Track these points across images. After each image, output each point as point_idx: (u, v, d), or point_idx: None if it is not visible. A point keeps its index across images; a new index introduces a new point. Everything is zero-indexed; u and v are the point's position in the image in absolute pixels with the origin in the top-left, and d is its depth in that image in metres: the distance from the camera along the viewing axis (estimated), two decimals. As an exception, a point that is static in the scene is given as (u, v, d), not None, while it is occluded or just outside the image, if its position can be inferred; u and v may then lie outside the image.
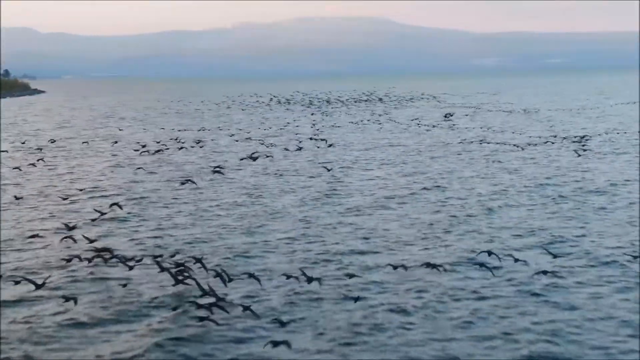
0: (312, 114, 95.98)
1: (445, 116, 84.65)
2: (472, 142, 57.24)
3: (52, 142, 61.69)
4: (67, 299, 19.10)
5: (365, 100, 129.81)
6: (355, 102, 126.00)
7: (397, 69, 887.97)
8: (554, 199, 33.24)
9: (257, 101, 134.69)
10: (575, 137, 59.06)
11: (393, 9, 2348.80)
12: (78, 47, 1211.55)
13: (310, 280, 19.98)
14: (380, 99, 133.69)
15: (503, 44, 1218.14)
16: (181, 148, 55.15)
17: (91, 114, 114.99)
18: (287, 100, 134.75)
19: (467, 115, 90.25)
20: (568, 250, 24.19)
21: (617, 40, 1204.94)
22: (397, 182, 38.78)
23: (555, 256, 22.80)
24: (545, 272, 20.78)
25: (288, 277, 20.50)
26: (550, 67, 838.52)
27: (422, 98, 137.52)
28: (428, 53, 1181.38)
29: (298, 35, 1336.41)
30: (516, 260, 22.11)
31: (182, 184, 37.13)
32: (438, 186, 37.04)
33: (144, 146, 55.69)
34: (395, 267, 21.59)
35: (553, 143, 54.96)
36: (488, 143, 56.02)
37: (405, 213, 30.73)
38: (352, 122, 79.73)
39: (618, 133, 62.49)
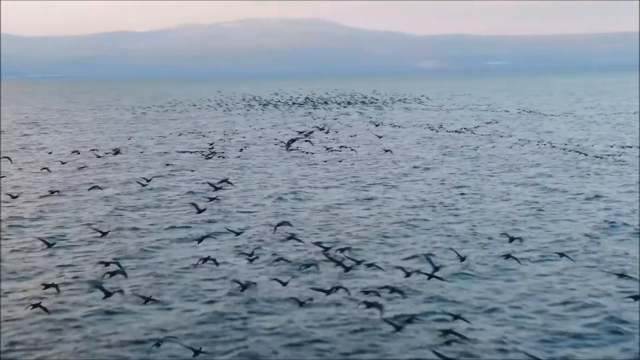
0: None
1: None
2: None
3: None
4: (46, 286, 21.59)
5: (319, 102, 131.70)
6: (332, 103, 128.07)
7: (339, 71, 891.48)
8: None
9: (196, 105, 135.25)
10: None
11: (334, 11, 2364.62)
12: (18, 48, 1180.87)
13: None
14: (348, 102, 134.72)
15: (443, 46, 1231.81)
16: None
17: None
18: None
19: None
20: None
21: (561, 43, 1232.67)
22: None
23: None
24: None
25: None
26: (492, 69, 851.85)
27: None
28: (369, 55, 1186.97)
29: (240, 37, 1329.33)
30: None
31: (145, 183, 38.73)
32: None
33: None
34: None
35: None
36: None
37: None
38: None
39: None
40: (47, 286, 21.59)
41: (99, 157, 54.63)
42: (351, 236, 28.89)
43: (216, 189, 34.33)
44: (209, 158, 52.74)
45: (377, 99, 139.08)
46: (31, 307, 20.10)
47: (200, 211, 30.23)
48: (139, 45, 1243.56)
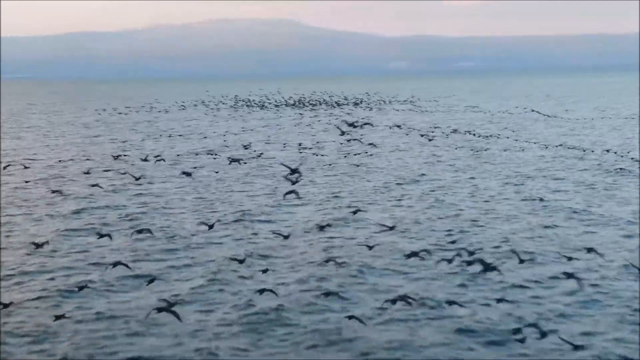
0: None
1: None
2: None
3: None
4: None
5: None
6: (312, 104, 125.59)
7: (311, 71, 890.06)
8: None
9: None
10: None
11: (305, 12, 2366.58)
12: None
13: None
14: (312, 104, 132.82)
15: (414, 48, 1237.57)
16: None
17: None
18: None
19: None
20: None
21: (531, 43, 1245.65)
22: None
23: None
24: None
25: None
26: (463, 70, 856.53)
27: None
28: (340, 56, 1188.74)
29: (210, 37, 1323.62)
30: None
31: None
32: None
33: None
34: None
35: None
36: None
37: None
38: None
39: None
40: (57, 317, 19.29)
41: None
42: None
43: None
44: (145, 160, 48.59)
45: (365, 100, 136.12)
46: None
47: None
48: (109, 45, 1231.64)
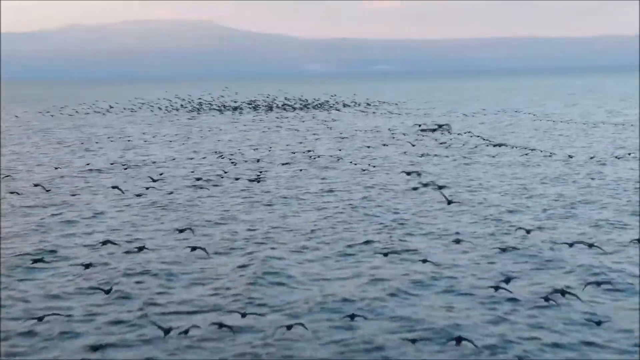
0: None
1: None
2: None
3: None
4: None
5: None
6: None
7: (228, 73, 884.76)
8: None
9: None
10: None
11: (222, 13, 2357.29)
12: None
13: None
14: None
15: (331, 50, 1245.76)
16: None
17: None
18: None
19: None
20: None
21: (450, 47, 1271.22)
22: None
23: None
24: None
25: None
26: (380, 73, 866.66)
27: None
28: (258, 58, 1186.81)
29: (127, 39, 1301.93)
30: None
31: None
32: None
33: None
34: None
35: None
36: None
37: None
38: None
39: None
40: None
41: None
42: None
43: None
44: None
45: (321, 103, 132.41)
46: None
47: None
48: (21, 47, 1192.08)
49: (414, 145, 60.05)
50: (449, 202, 30.17)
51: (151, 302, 20.93)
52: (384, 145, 62.28)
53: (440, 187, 32.73)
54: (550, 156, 52.27)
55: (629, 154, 52.82)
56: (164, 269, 24.24)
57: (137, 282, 22.81)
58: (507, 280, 21.54)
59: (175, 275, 23.61)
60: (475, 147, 59.44)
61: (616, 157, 51.53)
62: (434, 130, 72.74)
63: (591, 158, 51.20)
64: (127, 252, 26.24)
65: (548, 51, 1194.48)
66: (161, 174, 45.28)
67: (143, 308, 20.40)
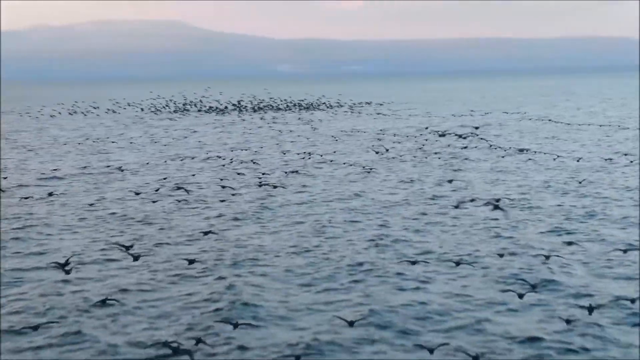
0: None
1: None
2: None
3: None
4: None
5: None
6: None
7: (200, 74, 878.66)
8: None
9: None
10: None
11: (191, 13, 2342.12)
12: None
13: None
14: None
15: (302, 50, 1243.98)
16: None
17: None
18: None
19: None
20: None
21: (421, 47, 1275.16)
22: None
23: None
24: None
25: None
26: (352, 73, 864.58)
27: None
28: (229, 58, 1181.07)
29: (95, 38, 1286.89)
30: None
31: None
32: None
33: None
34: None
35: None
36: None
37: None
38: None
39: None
40: None
41: None
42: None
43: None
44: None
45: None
46: None
47: None
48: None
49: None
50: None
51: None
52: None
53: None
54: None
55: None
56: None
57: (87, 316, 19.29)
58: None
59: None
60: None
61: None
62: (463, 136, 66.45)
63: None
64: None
65: (513, 52, 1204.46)
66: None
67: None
